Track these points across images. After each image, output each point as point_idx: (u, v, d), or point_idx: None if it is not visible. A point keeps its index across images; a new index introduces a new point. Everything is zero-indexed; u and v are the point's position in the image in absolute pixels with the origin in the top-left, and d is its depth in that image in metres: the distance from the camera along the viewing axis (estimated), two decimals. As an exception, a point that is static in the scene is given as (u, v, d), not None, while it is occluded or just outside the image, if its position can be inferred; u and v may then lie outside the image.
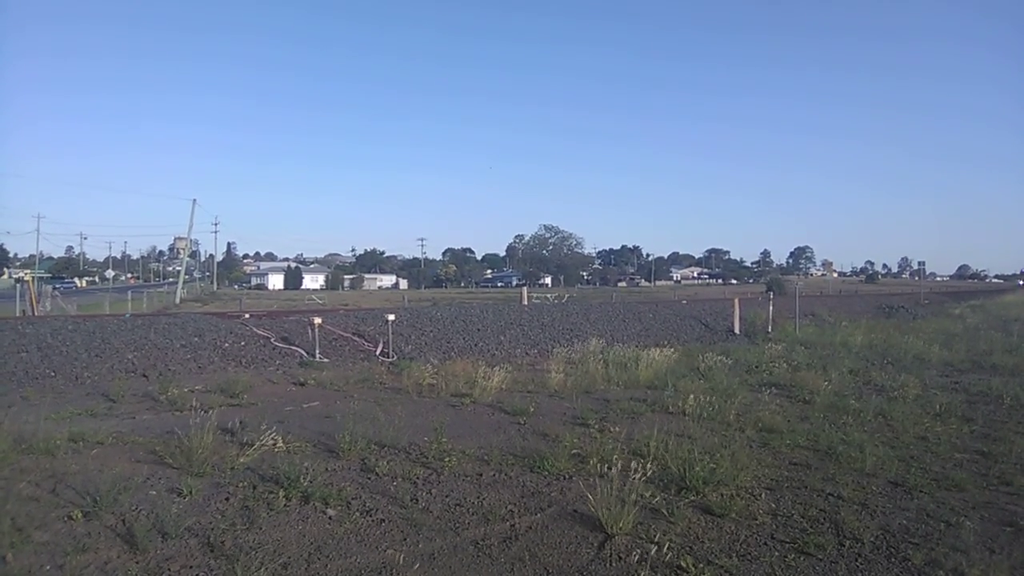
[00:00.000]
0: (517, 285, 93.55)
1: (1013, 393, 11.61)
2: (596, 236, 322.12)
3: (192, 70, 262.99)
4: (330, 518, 5.59)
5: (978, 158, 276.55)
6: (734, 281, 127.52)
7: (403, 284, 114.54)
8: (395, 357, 15.28)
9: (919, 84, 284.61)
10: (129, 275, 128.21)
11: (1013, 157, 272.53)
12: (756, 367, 14.86)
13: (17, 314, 24.35)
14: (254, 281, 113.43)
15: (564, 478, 6.77)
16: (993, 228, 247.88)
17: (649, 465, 6.32)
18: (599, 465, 6.34)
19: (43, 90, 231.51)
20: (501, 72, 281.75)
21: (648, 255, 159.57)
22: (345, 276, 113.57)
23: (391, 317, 16.35)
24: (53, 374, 11.81)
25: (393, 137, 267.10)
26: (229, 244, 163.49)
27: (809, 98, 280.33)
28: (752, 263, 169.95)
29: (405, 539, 5.25)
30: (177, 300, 48.27)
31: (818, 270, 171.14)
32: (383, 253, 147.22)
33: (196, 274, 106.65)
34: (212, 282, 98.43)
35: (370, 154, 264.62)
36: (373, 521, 5.57)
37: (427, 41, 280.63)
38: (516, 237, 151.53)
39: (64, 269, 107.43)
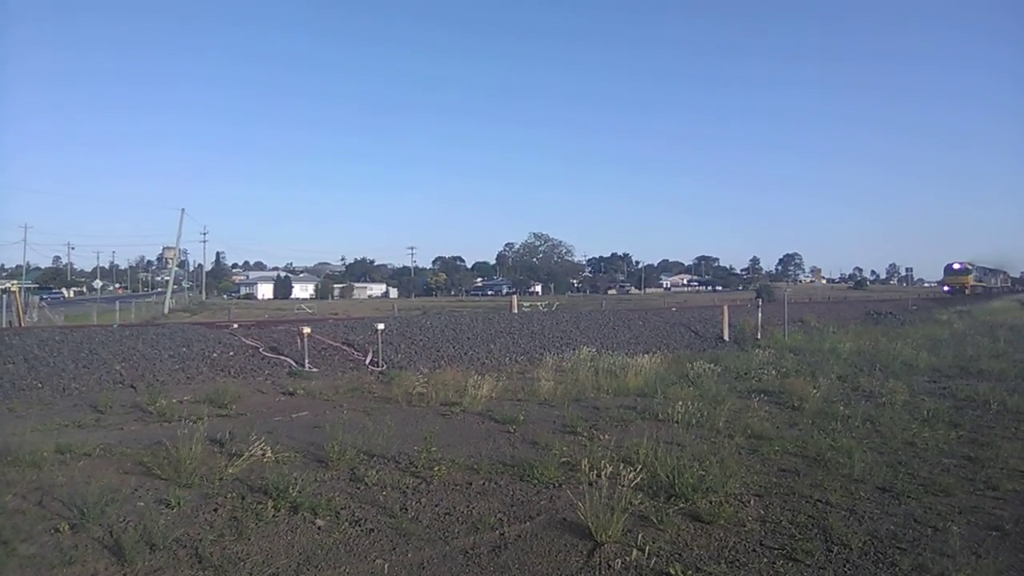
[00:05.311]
0: (507, 293, 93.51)
1: (999, 398, 11.70)
2: (586, 244, 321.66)
3: (182, 82, 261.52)
4: (319, 528, 5.58)
5: (964, 168, 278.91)
6: (723, 288, 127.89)
7: (393, 293, 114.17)
8: (385, 366, 15.25)
9: (907, 99, 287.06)
10: (117, 285, 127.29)
11: (998, 168, 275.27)
12: (745, 374, 14.91)
13: (3, 325, 24.15)
14: (243, 291, 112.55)
15: (554, 486, 6.78)
16: (980, 235, 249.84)
17: (638, 473, 6.37)
18: (589, 473, 6.36)
19: (36, 111, 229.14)
20: (491, 80, 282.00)
21: (638, 263, 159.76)
22: (335, 285, 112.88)
23: (380, 326, 16.30)
24: (40, 385, 11.71)
25: (383, 146, 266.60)
26: (218, 254, 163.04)
27: (798, 113, 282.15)
28: (741, 270, 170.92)
29: (394, 549, 5.24)
30: (165, 310, 47.99)
31: (807, 277, 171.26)
32: (373, 262, 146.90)
33: (185, 284, 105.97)
34: (201, 292, 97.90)
35: (360, 163, 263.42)
36: (362, 531, 5.56)
37: (416, 60, 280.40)
38: (506, 245, 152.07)
39: (51, 279, 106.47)
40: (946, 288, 77.26)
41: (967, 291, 74.23)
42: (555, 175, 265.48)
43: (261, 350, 15.17)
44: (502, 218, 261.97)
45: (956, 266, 78.44)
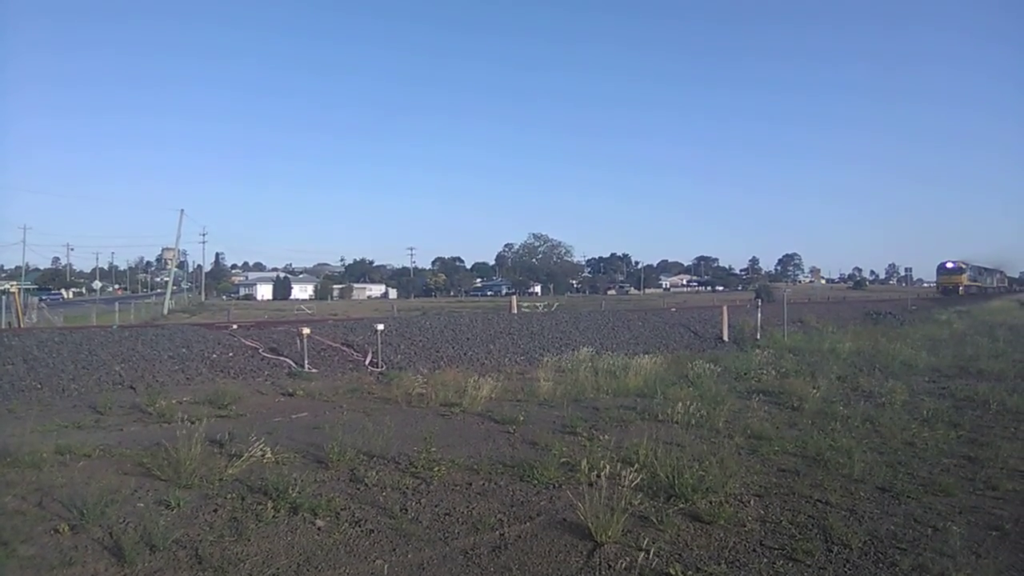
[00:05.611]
0: (507, 294, 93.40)
1: (999, 398, 11.72)
2: (585, 244, 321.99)
3: (182, 84, 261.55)
4: (319, 529, 5.58)
5: (964, 169, 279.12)
6: (723, 288, 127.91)
7: (392, 293, 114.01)
8: (384, 367, 15.25)
9: (907, 100, 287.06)
10: (116, 286, 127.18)
11: (998, 168, 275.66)
12: (745, 374, 14.91)
13: (3, 326, 24.14)
14: (243, 291, 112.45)
15: (553, 487, 6.78)
16: (979, 235, 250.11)
17: (638, 473, 6.38)
18: (588, 474, 6.36)
19: (36, 112, 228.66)
20: (490, 81, 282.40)
21: (637, 263, 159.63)
22: (334, 286, 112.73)
23: (380, 327, 16.30)
24: (39, 386, 11.71)
25: (383, 147, 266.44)
26: (217, 254, 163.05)
27: (798, 115, 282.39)
28: (741, 270, 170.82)
29: (394, 549, 5.24)
30: (165, 311, 47.93)
31: (806, 277, 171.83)
32: (372, 263, 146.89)
33: (184, 285, 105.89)
34: (200, 293, 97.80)
35: (359, 164, 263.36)
36: (362, 532, 5.56)
37: (415, 62, 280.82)
38: (505, 246, 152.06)
39: (51, 280, 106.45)
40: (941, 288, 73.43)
41: (960, 291, 70.29)
42: (554, 176, 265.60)
43: (260, 351, 15.17)
44: (501, 219, 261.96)
45: (949, 265, 74.30)
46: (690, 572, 4.84)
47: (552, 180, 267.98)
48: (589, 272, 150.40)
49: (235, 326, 19.07)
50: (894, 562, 5.05)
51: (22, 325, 25.12)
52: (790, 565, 5.01)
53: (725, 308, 25.35)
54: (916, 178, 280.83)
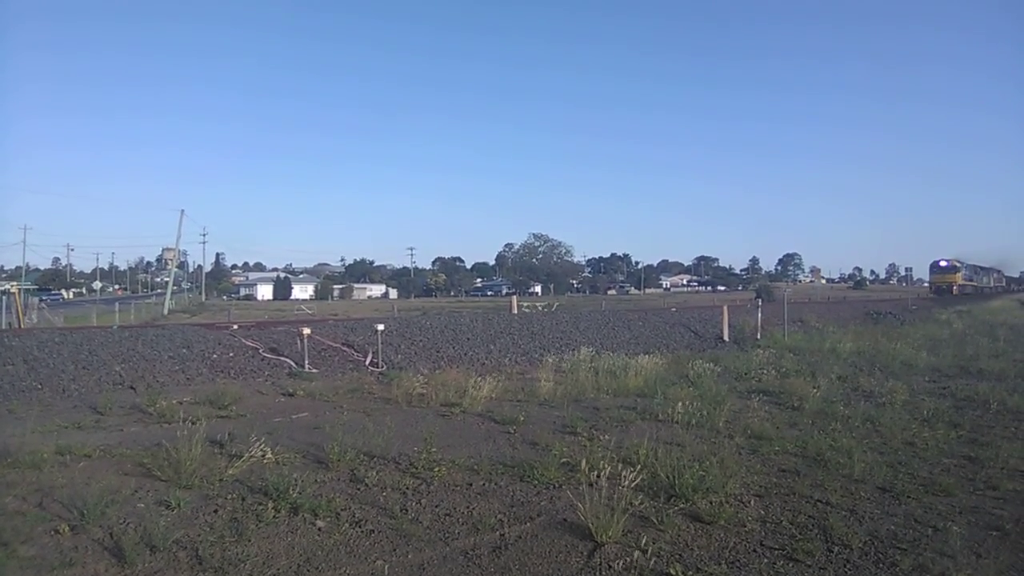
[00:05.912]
0: (507, 294, 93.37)
1: (999, 398, 11.73)
2: (585, 244, 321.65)
3: (182, 84, 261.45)
4: (319, 529, 5.58)
5: (964, 169, 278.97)
6: (723, 288, 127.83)
7: (393, 293, 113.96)
8: (384, 367, 15.24)
9: (907, 100, 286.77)
10: (116, 287, 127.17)
11: (999, 168, 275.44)
12: (745, 374, 14.91)
13: (3, 327, 24.14)
14: (243, 291, 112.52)
15: (554, 487, 6.78)
16: (979, 234, 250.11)
17: (638, 473, 6.37)
18: (589, 474, 6.36)
19: (37, 112, 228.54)
20: (490, 81, 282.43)
21: (638, 263, 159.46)
22: (334, 286, 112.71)
23: (380, 327, 16.29)
24: (40, 387, 11.71)
25: (383, 147, 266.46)
26: (218, 255, 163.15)
27: (798, 114, 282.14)
28: (741, 270, 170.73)
29: (395, 550, 5.24)
30: (165, 311, 47.94)
31: (806, 277, 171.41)
32: (372, 263, 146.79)
33: (184, 285, 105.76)
34: (200, 293, 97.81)
35: (359, 164, 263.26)
36: (362, 532, 5.56)
37: (415, 63, 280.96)
38: (506, 246, 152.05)
39: (51, 281, 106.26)
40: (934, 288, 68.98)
41: (955, 291, 66.34)
42: (554, 176, 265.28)
43: (261, 351, 15.17)
44: (502, 219, 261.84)
45: (943, 263, 69.70)
46: (690, 572, 4.84)
47: (552, 180, 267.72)
48: (589, 272, 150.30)
49: (235, 326, 19.07)
50: (894, 562, 5.05)
51: (22, 325, 25.11)
52: (790, 565, 5.01)
53: (725, 308, 25.34)
54: (916, 178, 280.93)
